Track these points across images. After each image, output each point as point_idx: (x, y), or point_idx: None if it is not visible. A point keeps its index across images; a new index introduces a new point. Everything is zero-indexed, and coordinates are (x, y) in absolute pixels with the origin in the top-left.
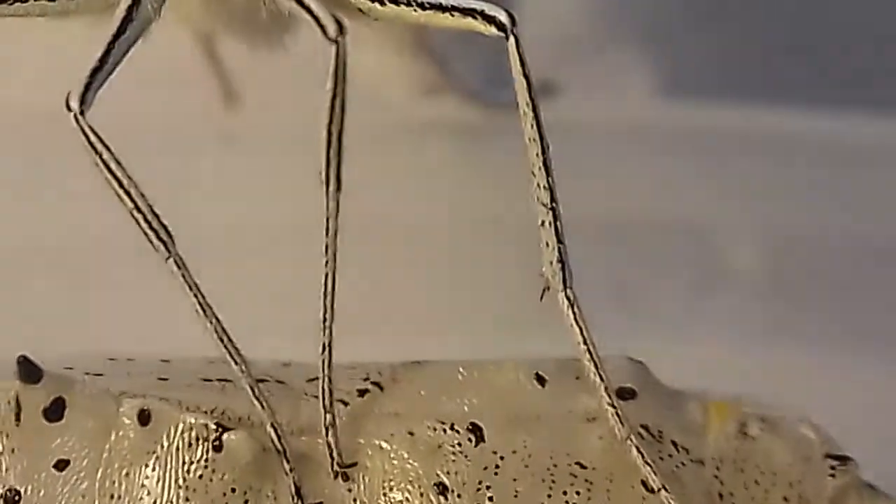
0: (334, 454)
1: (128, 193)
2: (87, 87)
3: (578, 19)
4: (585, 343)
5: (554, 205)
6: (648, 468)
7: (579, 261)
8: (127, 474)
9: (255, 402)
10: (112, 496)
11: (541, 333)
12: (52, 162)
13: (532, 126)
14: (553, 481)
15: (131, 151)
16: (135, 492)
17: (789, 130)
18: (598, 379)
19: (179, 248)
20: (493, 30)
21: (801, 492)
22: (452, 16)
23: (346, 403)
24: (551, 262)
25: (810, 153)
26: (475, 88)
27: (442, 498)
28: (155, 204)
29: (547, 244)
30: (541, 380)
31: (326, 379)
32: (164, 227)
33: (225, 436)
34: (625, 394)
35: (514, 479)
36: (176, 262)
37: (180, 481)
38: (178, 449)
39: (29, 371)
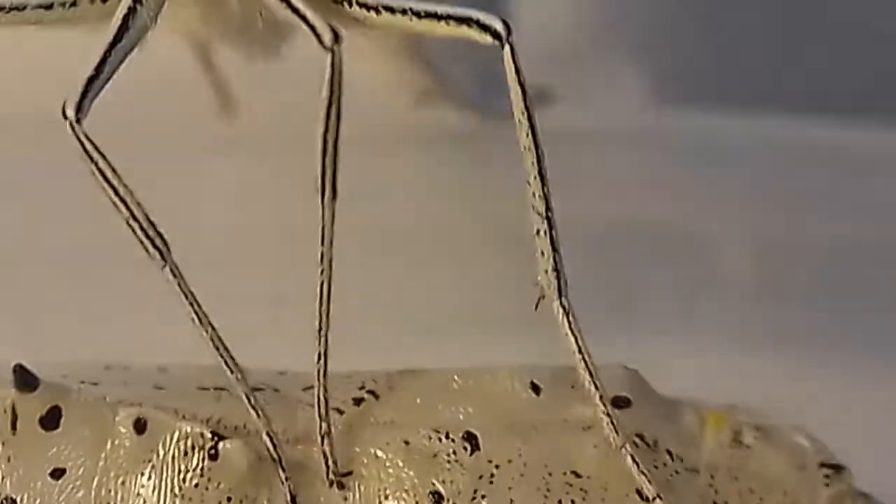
0: (330, 463)
1: (123, 202)
2: (83, 95)
3: (573, 28)
4: (580, 352)
5: (549, 214)
6: (643, 477)
7: (574, 269)
8: (123, 483)
9: (251, 411)
10: None
11: (536, 342)
12: (48, 170)
13: (527, 135)
14: (548, 490)
15: (126, 159)
16: (131, 500)
17: (784, 138)
18: (593, 388)
19: (175, 256)
20: (489, 38)
21: (795, 500)
22: (448, 24)
23: (341, 412)
24: (546, 271)
25: (806, 160)
26: (470, 97)
27: None
28: (150, 212)
29: (542, 253)
30: (536, 388)
31: (322, 387)
32: (160, 235)
33: (221, 444)
34: (620, 402)
35: (510, 488)
36: (172, 270)
37: (176, 490)
38: (173, 457)
39: (25, 379)
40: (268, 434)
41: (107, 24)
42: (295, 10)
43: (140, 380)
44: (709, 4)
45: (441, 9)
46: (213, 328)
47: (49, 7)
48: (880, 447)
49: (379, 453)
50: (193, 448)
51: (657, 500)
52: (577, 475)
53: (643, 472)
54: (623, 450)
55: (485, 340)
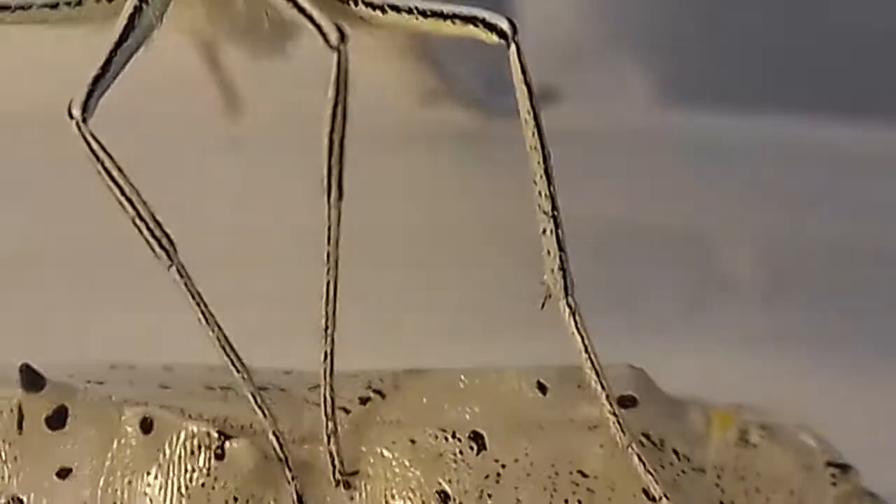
0: (336, 462)
1: (130, 201)
2: (90, 94)
3: (579, 27)
4: (587, 351)
5: (555, 213)
6: (650, 476)
7: (580, 268)
8: (129, 482)
9: (257, 410)
10: None
11: (542, 341)
12: (55, 169)
13: (533, 134)
14: (554, 489)
15: (132, 158)
16: (137, 500)
17: (789, 137)
18: (599, 387)
19: (181, 255)
20: (495, 37)
21: (801, 500)
22: (454, 24)
23: (347, 411)
24: (553, 270)
25: (810, 160)
26: (476, 95)
27: None
28: (157, 211)
29: (548, 252)
30: (542, 388)
31: (328, 387)
32: (167, 235)
33: (227, 444)
34: (626, 402)
35: (516, 488)
36: (178, 270)
37: (182, 489)
38: (180, 457)
39: (31, 379)
40: (274, 433)
41: (112, 23)
42: (301, 10)
43: (146, 379)
44: (713, 5)
45: (447, 8)
46: (220, 328)
47: (55, 6)
48: (887, 446)
49: (385, 453)
50: (200, 447)
51: (664, 499)
52: (584, 474)
53: (650, 472)
54: (629, 449)
55: (491, 340)
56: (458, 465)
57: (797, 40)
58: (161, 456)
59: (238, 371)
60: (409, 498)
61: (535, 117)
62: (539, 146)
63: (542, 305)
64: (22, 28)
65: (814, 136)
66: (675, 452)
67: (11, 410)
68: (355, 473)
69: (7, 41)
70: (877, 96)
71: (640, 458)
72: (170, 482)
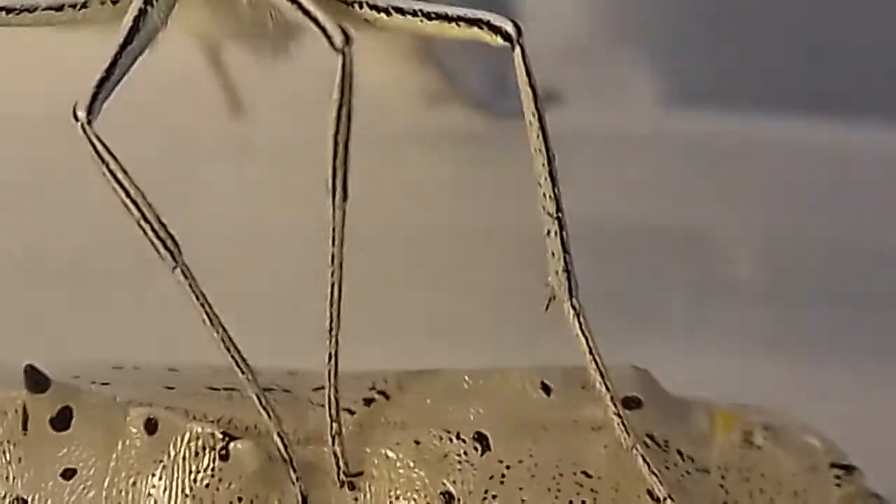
0: (340, 463)
1: (134, 203)
2: (95, 97)
3: (582, 29)
4: (591, 352)
5: (560, 215)
6: (654, 477)
7: (584, 269)
8: (134, 483)
9: (262, 411)
10: None
11: (546, 342)
12: (60, 171)
13: (538, 136)
14: (559, 490)
15: (138, 160)
16: (142, 501)
17: (792, 139)
18: (603, 388)
19: (186, 256)
20: (499, 40)
21: (806, 501)
22: (458, 26)
23: (352, 412)
24: (557, 272)
25: (813, 161)
26: (480, 97)
27: None
28: (161, 213)
29: (553, 254)
30: (546, 389)
31: (333, 388)
32: (171, 236)
33: (231, 445)
34: (630, 403)
35: (520, 488)
36: (182, 271)
37: (187, 490)
38: (184, 458)
39: (36, 380)
40: (278, 434)
41: (117, 26)
42: (306, 12)
43: (151, 380)
44: (716, 6)
45: (451, 10)
46: (224, 329)
47: (59, 8)
48: (891, 447)
49: (389, 453)
50: (204, 448)
51: (668, 500)
52: (588, 475)
53: (654, 473)
54: (634, 450)
55: (495, 341)
56: (462, 465)
57: (800, 42)
58: (166, 457)
59: (242, 372)
60: (414, 499)
61: (540, 119)
62: (544, 148)
63: (547, 307)
64: (27, 30)
65: (816, 138)
66: (680, 453)
67: (16, 411)
68: (360, 474)
69: (12, 43)
70: (880, 97)
71: (644, 459)
72: (174, 483)
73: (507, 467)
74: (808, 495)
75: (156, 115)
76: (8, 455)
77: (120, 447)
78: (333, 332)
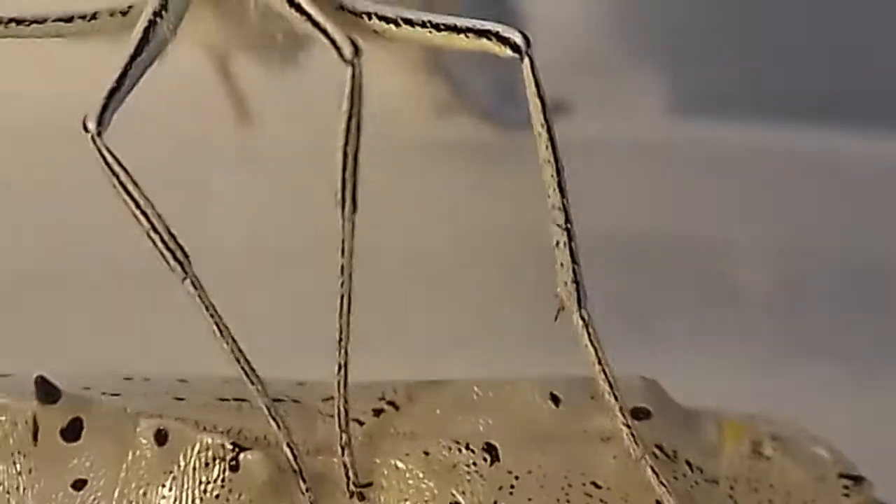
0: (350, 474)
1: (144, 214)
2: (104, 108)
3: (591, 39)
4: (600, 363)
5: (569, 225)
6: (663, 488)
7: (593, 279)
8: (144, 494)
9: (272, 422)
10: None
11: (555, 353)
12: (70, 182)
13: (547, 147)
14: (568, 501)
15: (147, 171)
16: None
17: (802, 148)
18: (612, 399)
19: (195, 267)
20: (508, 51)
21: None
22: (467, 37)
23: (361, 423)
24: (566, 283)
25: (822, 171)
26: (489, 108)
27: None
28: (171, 223)
29: (562, 264)
30: (555, 399)
31: (342, 398)
32: (181, 247)
33: (241, 455)
34: (639, 413)
35: (529, 499)
36: (192, 282)
37: (197, 501)
38: (194, 469)
39: (47, 391)
40: (288, 445)
41: (127, 37)
42: (315, 24)
43: (161, 391)
44: (726, 16)
45: (460, 21)
46: (234, 339)
47: (69, 20)
48: None
49: (399, 464)
50: (214, 459)
51: None
52: (597, 486)
53: (663, 483)
54: (643, 461)
55: (504, 351)
56: (471, 476)
57: (811, 51)
58: (176, 468)
59: (252, 383)
60: None
61: (549, 130)
62: (552, 159)
63: (556, 317)
64: (37, 41)
65: (827, 148)
66: (689, 464)
67: (27, 422)
68: (369, 485)
69: (23, 54)
70: (889, 106)
71: (653, 470)
72: (184, 494)
73: (517, 478)
74: None
75: (165, 126)
76: (18, 466)
77: (130, 458)
78: (343, 343)
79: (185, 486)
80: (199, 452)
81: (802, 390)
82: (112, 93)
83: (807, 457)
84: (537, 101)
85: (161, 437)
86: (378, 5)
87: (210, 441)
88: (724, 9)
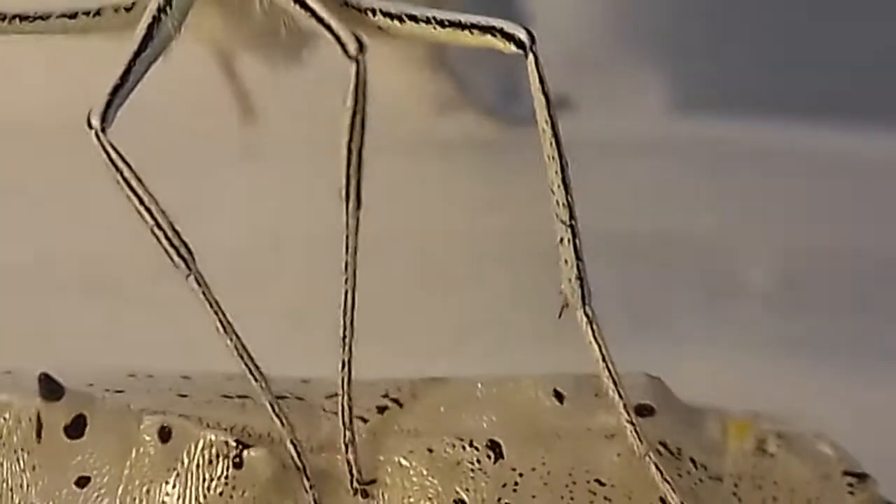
0: (354, 471)
1: (148, 210)
2: (109, 104)
3: (595, 36)
4: (604, 360)
5: (573, 222)
6: (667, 485)
7: (596, 276)
8: (148, 491)
9: (275, 419)
10: None
11: (559, 350)
12: (73, 177)
13: (551, 144)
14: (572, 498)
15: (151, 168)
16: None
17: (805, 145)
18: (616, 396)
19: (199, 264)
20: (513, 47)
21: None
22: (472, 33)
23: (365, 420)
24: (570, 280)
25: (826, 168)
26: (493, 105)
27: None
28: (174, 220)
29: (566, 261)
30: (559, 397)
31: (346, 396)
32: (185, 244)
33: (245, 452)
34: (643, 410)
35: (533, 496)
36: (196, 279)
37: (201, 498)
38: (198, 466)
39: (50, 388)
40: (292, 442)
41: (131, 33)
42: (319, 20)
43: (164, 388)
44: (727, 14)
45: (464, 18)
46: (237, 336)
47: (73, 16)
48: None
49: (403, 461)
50: (218, 456)
51: None
52: (601, 483)
53: (667, 481)
54: (647, 458)
55: (508, 348)
56: (475, 473)
57: (812, 48)
58: (179, 465)
59: (256, 380)
60: None
61: (553, 127)
62: (557, 155)
63: (560, 315)
64: (41, 38)
65: (828, 144)
66: (693, 461)
67: (30, 419)
68: (373, 482)
69: (27, 51)
70: (893, 104)
71: (657, 467)
72: (188, 491)
73: (520, 475)
74: (821, 503)
75: (169, 122)
76: (22, 463)
77: (134, 455)
78: (347, 340)
79: (189, 483)
80: (202, 449)
81: (807, 388)
82: (116, 89)
83: (811, 454)
84: (541, 97)
85: (165, 434)
86: (382, 2)
87: (214, 438)
88: (724, 7)
